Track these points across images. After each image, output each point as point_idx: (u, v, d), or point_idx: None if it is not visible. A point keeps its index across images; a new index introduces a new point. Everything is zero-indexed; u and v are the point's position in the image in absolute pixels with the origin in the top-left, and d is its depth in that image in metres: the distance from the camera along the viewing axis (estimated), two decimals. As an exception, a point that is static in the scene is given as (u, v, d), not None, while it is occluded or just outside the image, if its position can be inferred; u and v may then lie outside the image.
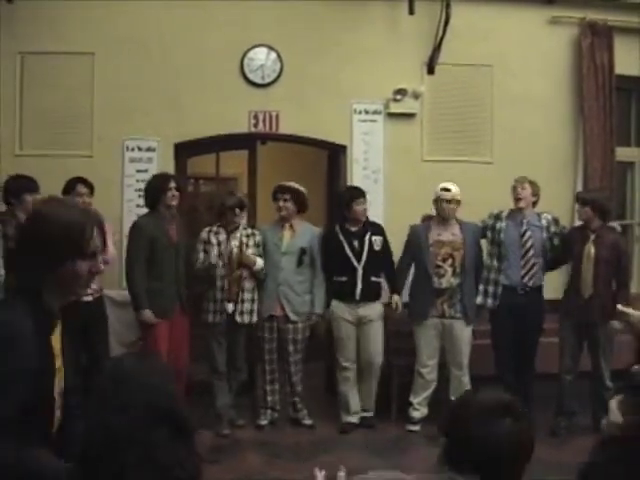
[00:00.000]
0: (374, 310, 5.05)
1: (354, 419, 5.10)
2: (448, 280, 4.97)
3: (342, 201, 5.16)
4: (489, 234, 5.11)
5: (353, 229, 5.09)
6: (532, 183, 5.10)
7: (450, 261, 4.98)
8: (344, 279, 5.03)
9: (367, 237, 5.06)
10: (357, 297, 4.99)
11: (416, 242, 5.06)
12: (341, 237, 5.07)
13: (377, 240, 5.08)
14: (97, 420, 1.29)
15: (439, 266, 4.98)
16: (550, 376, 4.98)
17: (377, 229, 5.16)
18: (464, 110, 5.89)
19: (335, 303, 5.09)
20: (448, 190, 4.97)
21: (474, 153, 5.90)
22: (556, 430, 4.93)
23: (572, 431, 4.88)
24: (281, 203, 5.09)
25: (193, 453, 1.32)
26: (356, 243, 5.04)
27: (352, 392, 5.10)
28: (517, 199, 5.04)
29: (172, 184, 4.70)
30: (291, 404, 5.19)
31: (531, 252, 5.00)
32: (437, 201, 5.01)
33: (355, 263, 5.00)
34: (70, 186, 4.69)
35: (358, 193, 5.11)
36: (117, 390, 1.29)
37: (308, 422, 5.12)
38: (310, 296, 5.10)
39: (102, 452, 1.25)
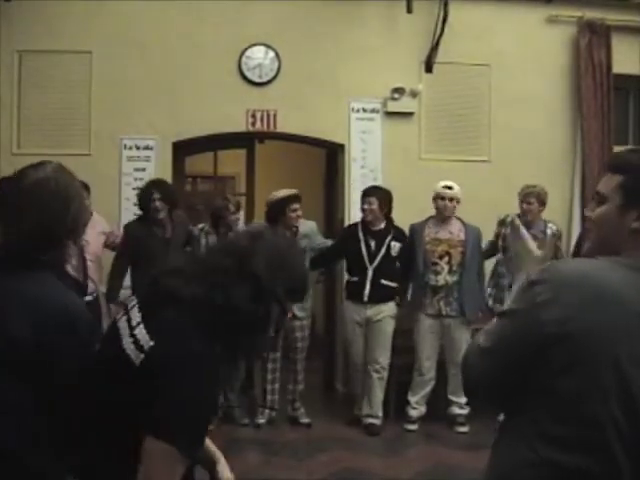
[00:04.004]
0: (383, 311, 5.01)
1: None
2: (444, 277, 4.96)
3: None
4: (500, 242, 5.06)
5: (374, 229, 5.05)
6: (539, 194, 5.00)
7: (447, 259, 4.98)
8: (356, 279, 5.03)
9: (387, 240, 5.01)
10: (365, 299, 4.97)
11: (412, 240, 5.07)
12: (360, 235, 5.05)
13: (395, 246, 5.03)
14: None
15: (435, 263, 4.98)
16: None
17: (399, 234, 5.09)
18: (462, 109, 5.88)
19: (346, 303, 5.13)
20: (449, 188, 4.97)
21: (472, 152, 5.89)
22: None
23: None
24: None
25: (270, 316, 1.53)
26: (373, 244, 5.01)
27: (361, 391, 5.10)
28: (523, 212, 5.01)
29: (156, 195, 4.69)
30: (290, 402, 5.18)
31: None
32: (436, 199, 5.01)
33: (367, 264, 4.99)
34: None
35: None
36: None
37: (306, 421, 5.12)
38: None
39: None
